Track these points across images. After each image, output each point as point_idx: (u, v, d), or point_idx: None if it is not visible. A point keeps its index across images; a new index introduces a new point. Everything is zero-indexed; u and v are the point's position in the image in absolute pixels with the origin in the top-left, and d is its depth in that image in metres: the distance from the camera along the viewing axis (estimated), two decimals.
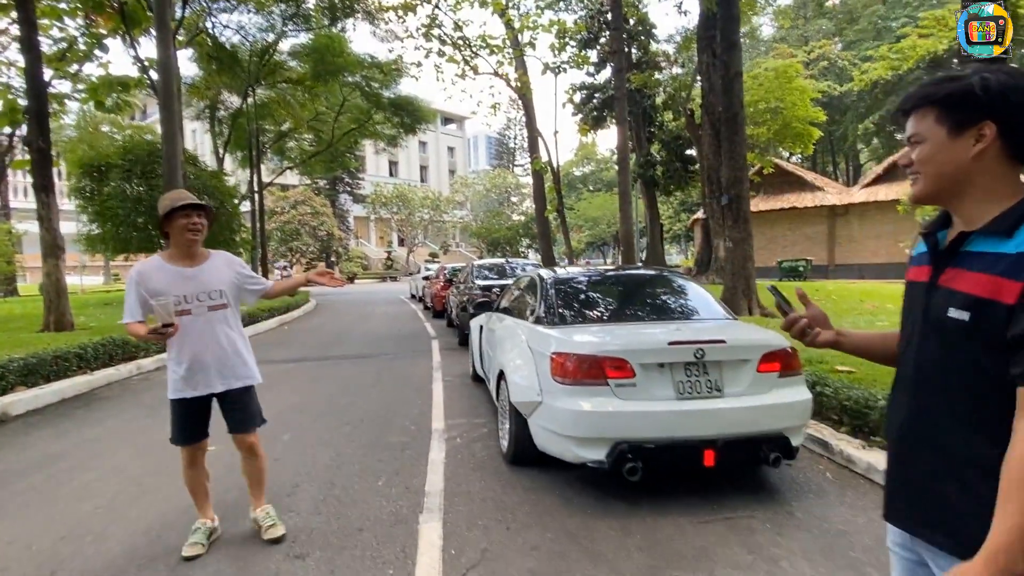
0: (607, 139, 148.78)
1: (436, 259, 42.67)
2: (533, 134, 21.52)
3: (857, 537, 2.87)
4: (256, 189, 22.59)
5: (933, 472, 1.13)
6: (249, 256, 20.46)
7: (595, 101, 26.92)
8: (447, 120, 65.04)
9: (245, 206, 22.37)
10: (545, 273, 4.73)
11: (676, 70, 26.80)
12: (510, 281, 9.57)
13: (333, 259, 43.89)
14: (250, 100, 21.31)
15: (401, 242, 54.01)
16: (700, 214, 28.11)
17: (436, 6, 19.43)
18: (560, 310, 4.01)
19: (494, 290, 9.13)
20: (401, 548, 2.87)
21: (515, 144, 63.69)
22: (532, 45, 20.65)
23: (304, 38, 22.24)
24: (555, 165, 20.38)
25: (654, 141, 27.04)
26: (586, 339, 3.50)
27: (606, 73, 27.81)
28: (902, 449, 1.22)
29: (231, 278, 2.92)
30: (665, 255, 34.70)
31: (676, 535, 2.93)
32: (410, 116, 26.79)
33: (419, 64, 21.47)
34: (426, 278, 17.99)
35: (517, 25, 20.21)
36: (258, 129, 23.18)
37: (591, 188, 57.39)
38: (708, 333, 3.48)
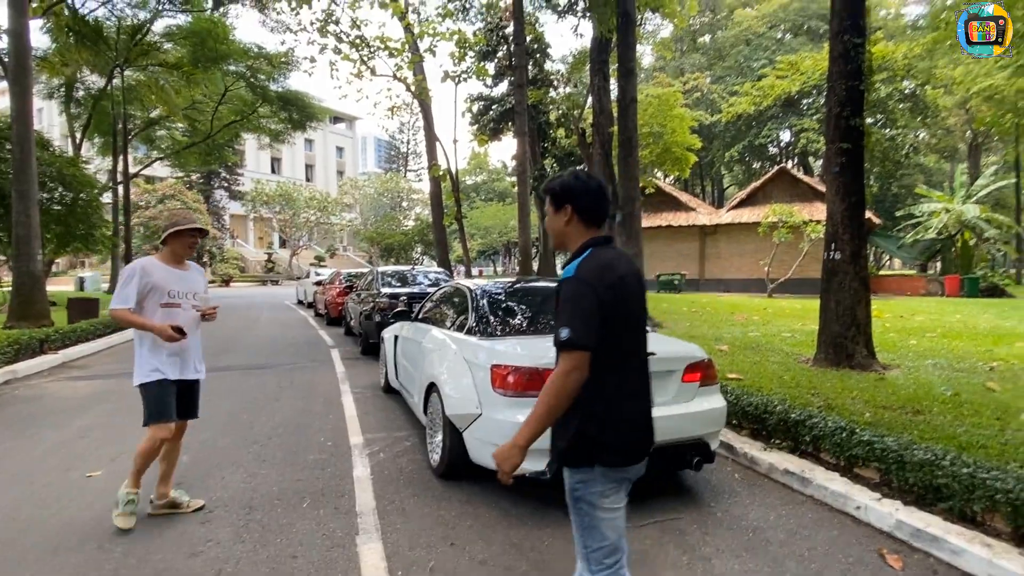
0: (499, 151, 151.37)
1: (323, 263, 40.86)
2: (431, 140, 21.40)
3: (772, 533, 3.17)
4: (120, 180, 20.31)
5: None
6: (110, 254, 18.34)
7: (492, 113, 27.33)
8: (337, 119, 62.68)
9: (106, 198, 20.03)
10: (471, 284, 4.73)
11: (568, 89, 27.91)
12: (417, 289, 9.46)
13: (206, 260, 40.47)
14: (116, 82, 19.17)
15: (283, 244, 51.05)
16: None
17: (333, 1, 18.78)
18: (493, 321, 4.04)
19: (401, 298, 8.94)
20: (343, 574, 2.73)
21: (408, 149, 62.83)
22: (432, 52, 20.61)
23: (183, 19, 20.44)
24: (454, 172, 20.39)
25: (547, 156, 27.94)
26: (525, 351, 3.56)
27: (503, 87, 28.34)
28: None
29: (200, 287, 3.43)
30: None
31: None
32: (299, 112, 25.51)
33: (313, 60, 20.59)
34: (318, 283, 17.16)
35: (417, 31, 20.06)
36: (125, 114, 20.89)
37: (483, 198, 58.00)
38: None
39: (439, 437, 3.99)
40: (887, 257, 49.38)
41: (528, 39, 25.96)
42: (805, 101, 39.54)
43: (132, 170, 23.34)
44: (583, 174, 1.93)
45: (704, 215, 29.73)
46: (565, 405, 1.79)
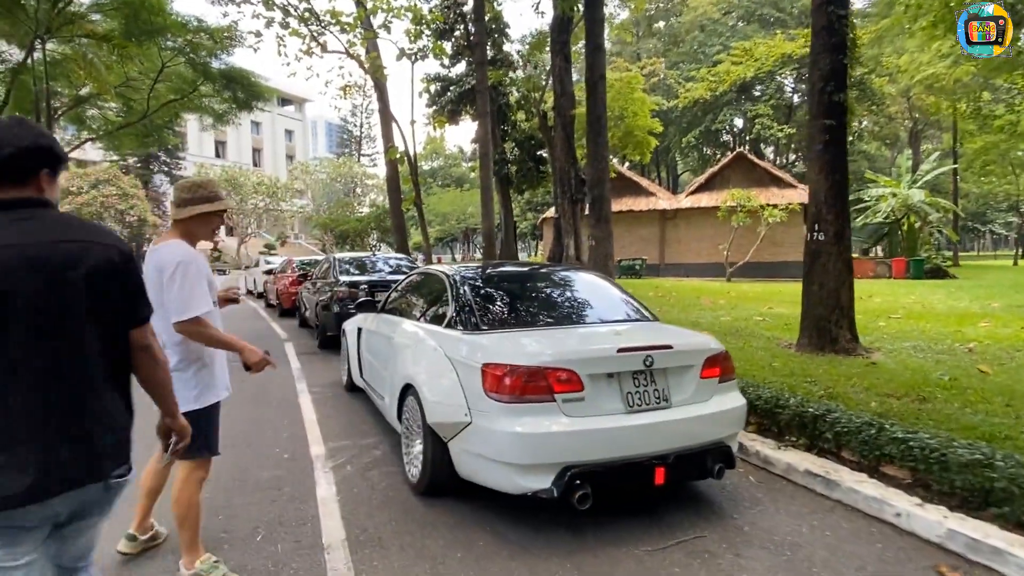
0: (456, 135, 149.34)
1: (273, 251, 39.15)
2: (387, 121, 20.42)
3: (811, 549, 2.76)
4: None
5: None
6: None
7: (450, 94, 26.41)
8: (285, 101, 60.04)
9: None
10: (449, 270, 4.16)
11: (528, 71, 27.29)
12: (379, 277, 8.79)
13: (146, 249, 38.18)
14: (38, 55, 17.44)
15: (231, 231, 48.72)
16: (551, 213, 29.02)
17: None
18: (480, 313, 3.48)
19: (362, 287, 8.26)
20: None
21: (361, 133, 60.81)
22: (387, 28, 19.58)
23: None
24: (412, 155, 19.55)
25: (507, 140, 27.30)
26: (522, 347, 3.03)
27: (460, 67, 27.45)
28: None
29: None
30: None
31: (637, 569, 2.59)
32: (245, 91, 23.94)
33: (259, 34, 19.23)
34: (268, 272, 16.14)
35: (369, 5, 19.03)
36: (49, 90, 19.08)
37: (440, 184, 56.87)
38: (651, 337, 3.20)
39: (418, 447, 3.43)
40: None
41: (486, 18, 25.18)
42: (759, 87, 40.11)
43: None
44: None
45: (664, 200, 29.76)
46: None
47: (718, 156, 47.18)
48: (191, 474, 2.51)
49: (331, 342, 8.44)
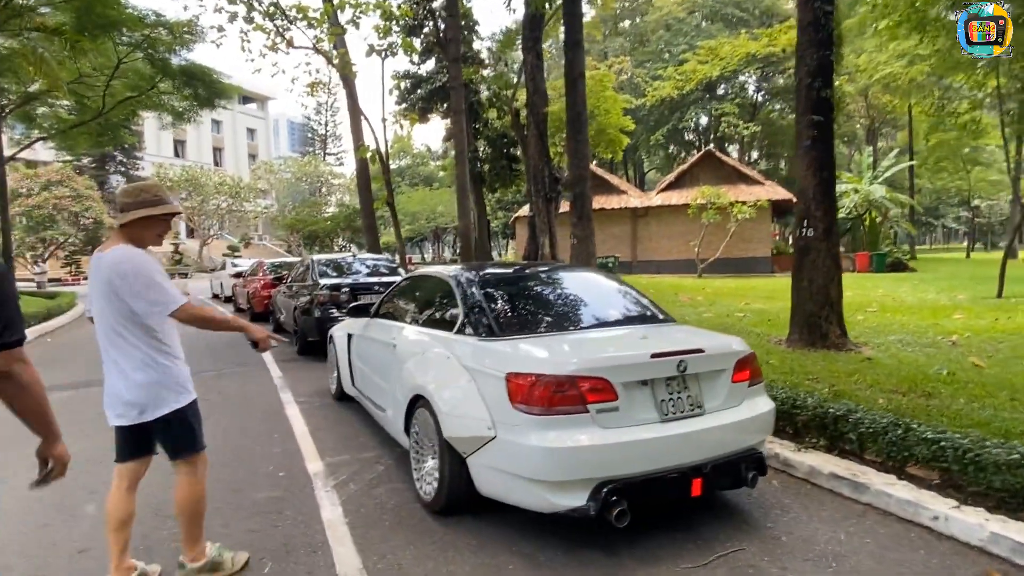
0: (423, 134, 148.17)
1: (237, 253, 37.99)
2: (357, 117, 19.99)
3: (857, 559, 2.65)
4: None
5: None
6: None
7: (421, 91, 26.00)
8: (247, 99, 58.37)
9: None
10: (451, 271, 3.94)
11: (499, 68, 27.07)
12: (361, 280, 8.48)
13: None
14: None
15: (191, 233, 47.15)
16: (523, 211, 28.90)
17: None
18: (493, 317, 3.28)
19: (343, 290, 7.95)
20: None
21: (327, 131, 59.59)
22: (356, 24, 19.13)
23: None
24: (384, 153, 19.15)
25: (480, 138, 27.05)
26: (548, 354, 2.83)
27: (430, 65, 27.07)
28: None
29: None
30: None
31: None
32: (206, 88, 23.09)
33: (221, 29, 18.54)
34: (237, 275, 15.55)
35: (336, 1, 18.54)
36: None
37: (408, 183, 56.15)
38: (681, 340, 3.06)
39: (431, 462, 3.22)
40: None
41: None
42: (724, 86, 40.81)
43: (8, 152, 20.30)
44: None
45: (635, 198, 29.94)
46: None
47: (683, 155, 47.88)
48: (199, 469, 2.55)
49: (312, 348, 8.10)
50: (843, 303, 7.22)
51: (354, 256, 9.84)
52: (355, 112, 20.00)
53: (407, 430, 3.48)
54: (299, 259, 12.24)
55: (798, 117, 7.30)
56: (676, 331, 3.40)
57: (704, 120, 44.46)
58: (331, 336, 5.81)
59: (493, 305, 3.38)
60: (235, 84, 27.72)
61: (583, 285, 3.94)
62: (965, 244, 57.73)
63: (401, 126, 35.24)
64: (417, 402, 3.33)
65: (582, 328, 3.36)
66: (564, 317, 3.49)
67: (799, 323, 7.13)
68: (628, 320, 3.54)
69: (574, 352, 2.84)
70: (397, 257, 23.49)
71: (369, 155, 19.51)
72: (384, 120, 19.50)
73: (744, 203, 25.08)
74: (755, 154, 48.84)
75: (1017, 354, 6.30)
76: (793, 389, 4.10)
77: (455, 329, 3.38)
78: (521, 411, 2.64)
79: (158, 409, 2.38)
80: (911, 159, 34.73)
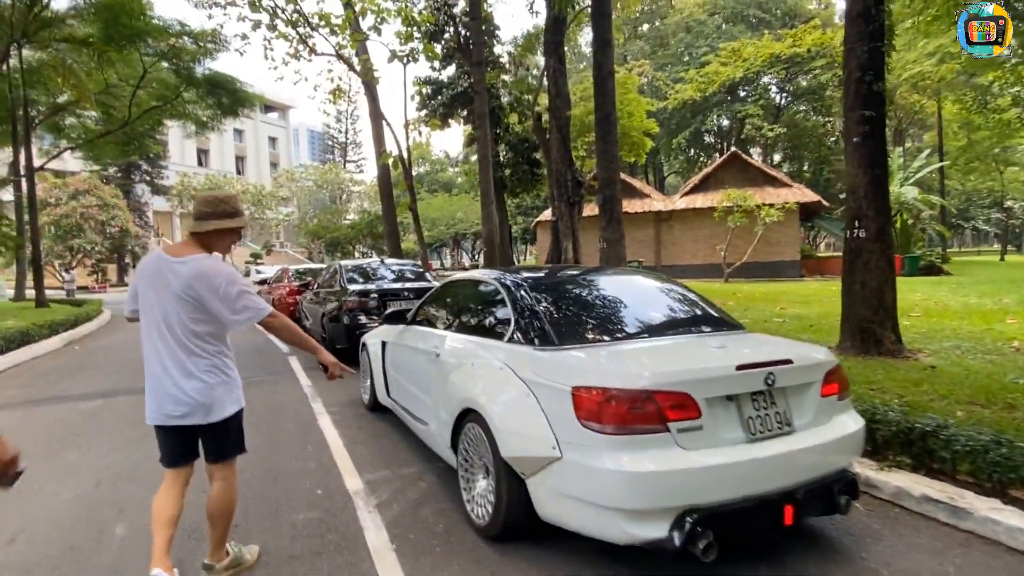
0: (442, 140, 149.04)
1: (259, 260, 38.30)
2: (379, 124, 19.92)
3: None
4: (23, 174, 17.85)
5: None
6: (14, 256, 15.99)
7: (442, 97, 25.94)
8: (269, 108, 59.05)
9: (7, 195, 17.59)
10: (496, 274, 3.69)
11: (520, 72, 26.92)
12: (390, 285, 8.29)
13: (128, 260, 37.09)
14: (14, 61, 16.70)
15: None
16: (545, 216, 28.67)
17: None
18: (551, 324, 3.01)
19: (372, 296, 7.76)
20: None
21: (347, 139, 60.01)
22: (377, 30, 19.14)
23: None
24: (407, 159, 19.06)
25: (501, 143, 26.89)
26: (620, 366, 2.56)
27: (451, 71, 27.02)
28: None
29: None
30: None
31: None
32: (229, 97, 23.27)
33: (245, 37, 18.59)
34: (262, 282, 15.51)
35: (359, 7, 18.54)
36: (26, 98, 18.32)
37: (427, 189, 56.29)
38: (765, 351, 2.76)
39: (483, 483, 2.96)
40: (824, 238, 51.36)
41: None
42: (746, 88, 40.18)
43: (37, 162, 20.59)
44: None
45: (659, 202, 29.53)
46: None
47: (702, 159, 47.27)
48: (234, 472, 2.60)
49: (340, 355, 7.90)
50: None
51: (381, 261, 9.66)
52: (377, 118, 19.95)
53: (454, 446, 3.23)
54: (325, 265, 12.11)
55: (846, 113, 6.95)
56: (753, 340, 3.10)
57: (726, 123, 43.84)
58: (363, 344, 5.60)
59: (548, 311, 3.11)
60: (257, 93, 27.98)
61: (639, 289, 3.64)
62: (996, 247, 56.09)
63: (420, 132, 35.34)
64: (466, 416, 3.08)
65: (647, 336, 3.06)
66: (625, 323, 3.20)
67: (851, 329, 6.76)
68: (696, 327, 3.24)
69: (650, 363, 2.56)
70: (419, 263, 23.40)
71: (391, 161, 19.44)
72: (406, 125, 19.42)
73: (771, 206, 24.55)
74: (777, 157, 48.05)
75: None
76: (866, 401, 3.76)
77: (507, 338, 3.13)
78: (591, 430, 2.37)
79: (224, 411, 2.45)
80: (940, 159, 33.82)
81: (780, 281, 22.66)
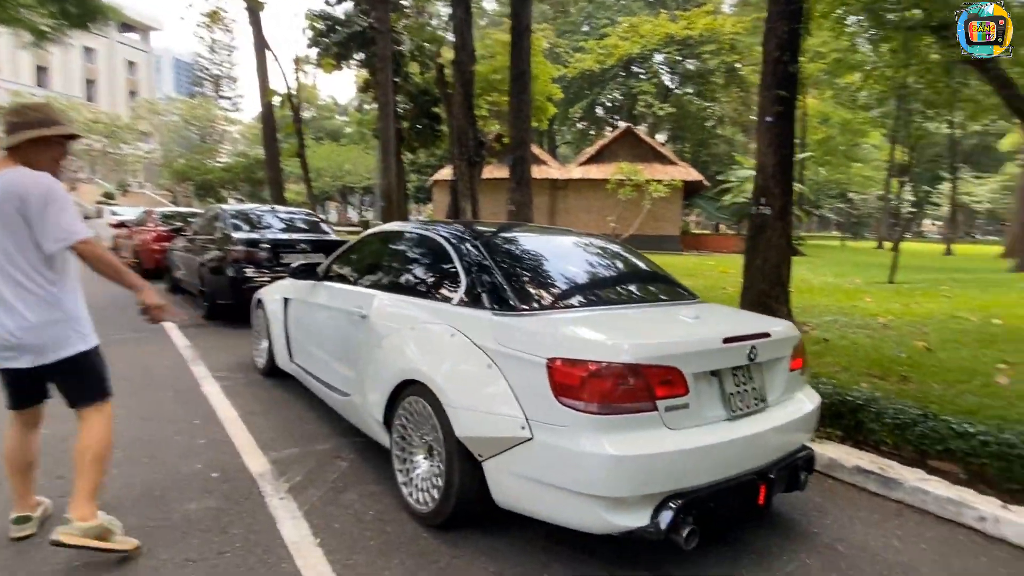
0: (330, 85, 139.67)
1: (112, 200, 33.77)
2: (263, 56, 17.92)
3: (926, 572, 2.37)
4: None
5: None
6: None
7: (336, 35, 23.82)
8: (127, 27, 51.26)
9: None
10: (438, 225, 3.24)
11: (423, 19, 25.48)
12: (282, 236, 7.43)
13: None
14: None
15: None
16: (442, 174, 27.89)
17: None
18: (512, 286, 2.64)
19: (262, 246, 6.89)
20: None
21: (221, 72, 53.91)
22: None
23: None
24: (294, 100, 17.39)
25: (400, 92, 25.40)
26: (602, 336, 2.26)
27: (348, 6, 24.88)
28: None
29: None
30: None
31: None
32: (77, 5, 19.77)
33: None
34: (120, 224, 13.49)
35: None
36: None
37: (312, 136, 52.49)
38: (741, 323, 2.61)
39: (425, 465, 2.58)
40: (697, 217, 55.13)
41: None
42: (640, 65, 41.29)
43: None
44: None
45: (556, 170, 29.76)
46: None
47: (593, 132, 48.35)
48: (106, 413, 2.33)
49: (222, 312, 7.01)
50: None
51: (272, 208, 8.64)
52: (261, 49, 17.92)
53: (387, 423, 2.80)
54: (200, 210, 10.72)
55: (762, 92, 7.11)
56: (721, 311, 2.97)
57: (620, 97, 44.97)
58: (259, 300, 4.88)
59: (505, 271, 2.74)
60: (113, 5, 24.09)
61: (601, 254, 3.35)
62: (836, 233, 63.56)
63: (306, 73, 32.39)
64: (407, 388, 2.65)
65: (617, 304, 2.80)
66: (591, 290, 2.91)
67: (750, 302, 7.05)
68: (661, 297, 3.04)
69: (636, 335, 2.30)
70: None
71: (278, 101, 17.64)
72: (297, 62, 17.62)
73: (659, 182, 25.67)
74: (662, 137, 50.33)
75: (949, 338, 6.59)
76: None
77: (456, 300, 2.72)
78: (571, 408, 2.07)
79: (64, 350, 2.17)
80: (803, 151, 37.22)
81: (663, 254, 23.86)
